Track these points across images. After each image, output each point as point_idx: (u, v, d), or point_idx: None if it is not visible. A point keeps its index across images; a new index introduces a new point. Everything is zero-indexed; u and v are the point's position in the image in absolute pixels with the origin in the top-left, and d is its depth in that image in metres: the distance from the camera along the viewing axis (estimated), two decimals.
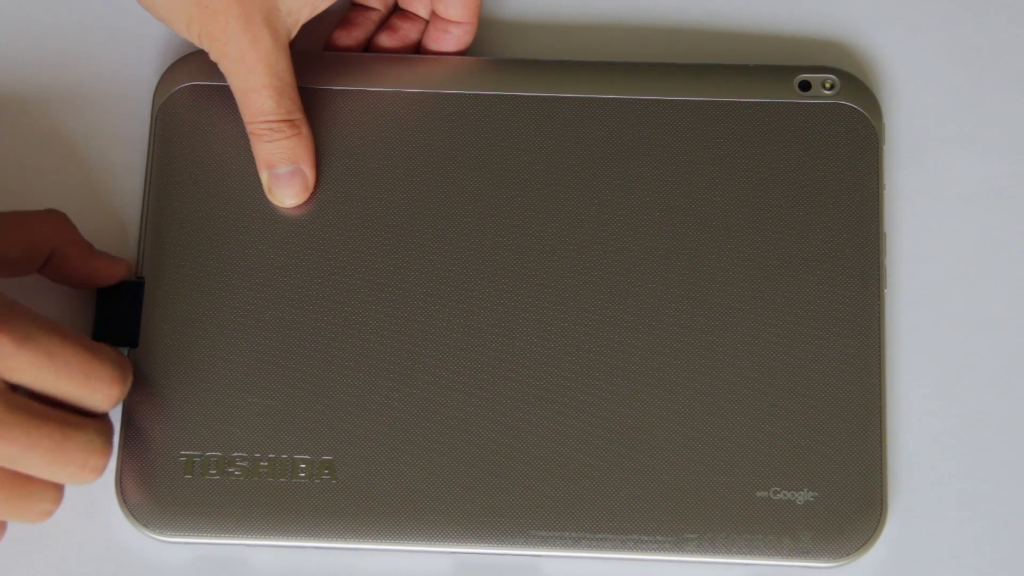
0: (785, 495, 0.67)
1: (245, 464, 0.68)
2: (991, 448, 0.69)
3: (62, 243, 0.68)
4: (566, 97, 0.71)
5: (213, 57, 0.68)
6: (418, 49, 0.73)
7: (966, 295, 0.70)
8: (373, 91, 0.71)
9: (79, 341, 0.64)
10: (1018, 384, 0.70)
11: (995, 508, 0.68)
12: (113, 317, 0.69)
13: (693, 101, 0.71)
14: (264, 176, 0.70)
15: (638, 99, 0.71)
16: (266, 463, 0.68)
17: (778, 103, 0.71)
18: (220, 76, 0.69)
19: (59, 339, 0.63)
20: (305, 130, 0.69)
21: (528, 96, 0.71)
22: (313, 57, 0.72)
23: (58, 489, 0.64)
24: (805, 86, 0.71)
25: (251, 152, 0.70)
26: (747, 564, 0.67)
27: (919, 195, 0.72)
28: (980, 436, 0.69)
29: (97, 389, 0.64)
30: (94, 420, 0.64)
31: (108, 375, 0.64)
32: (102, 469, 0.64)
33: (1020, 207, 0.71)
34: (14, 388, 0.63)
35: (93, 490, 0.68)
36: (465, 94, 0.71)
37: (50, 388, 0.63)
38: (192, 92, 0.71)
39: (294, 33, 0.69)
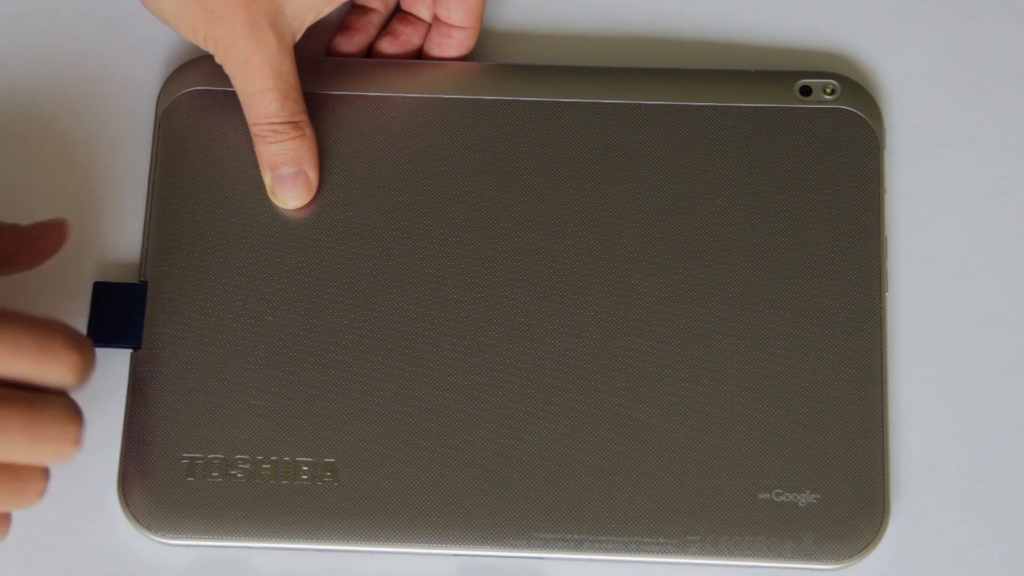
0: (787, 497, 0.67)
1: (247, 466, 0.68)
2: (992, 449, 0.69)
3: None
4: (569, 102, 0.71)
5: (218, 60, 0.69)
6: (420, 54, 0.73)
7: (966, 296, 0.71)
8: (376, 96, 0.71)
9: (24, 317, 0.61)
10: (1018, 384, 0.70)
11: (997, 509, 0.68)
12: (109, 318, 0.69)
13: (695, 106, 0.71)
14: (267, 178, 0.70)
15: (640, 104, 0.71)
16: (268, 465, 0.68)
17: (779, 108, 0.71)
18: (223, 81, 0.70)
19: (6, 320, 0.60)
20: (309, 132, 0.69)
21: (530, 101, 0.71)
22: (316, 62, 0.72)
23: (44, 468, 0.62)
24: (806, 91, 0.72)
25: (254, 156, 0.70)
26: (749, 566, 0.67)
27: (919, 197, 0.72)
28: (981, 437, 0.69)
29: (55, 358, 0.61)
30: (59, 394, 0.62)
31: (62, 343, 0.61)
32: (80, 439, 0.62)
33: (1020, 208, 0.72)
34: None
35: (95, 491, 0.68)
36: (468, 99, 0.71)
37: (7, 370, 0.60)
38: (195, 97, 0.71)
39: (299, 36, 0.69)
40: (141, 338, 0.69)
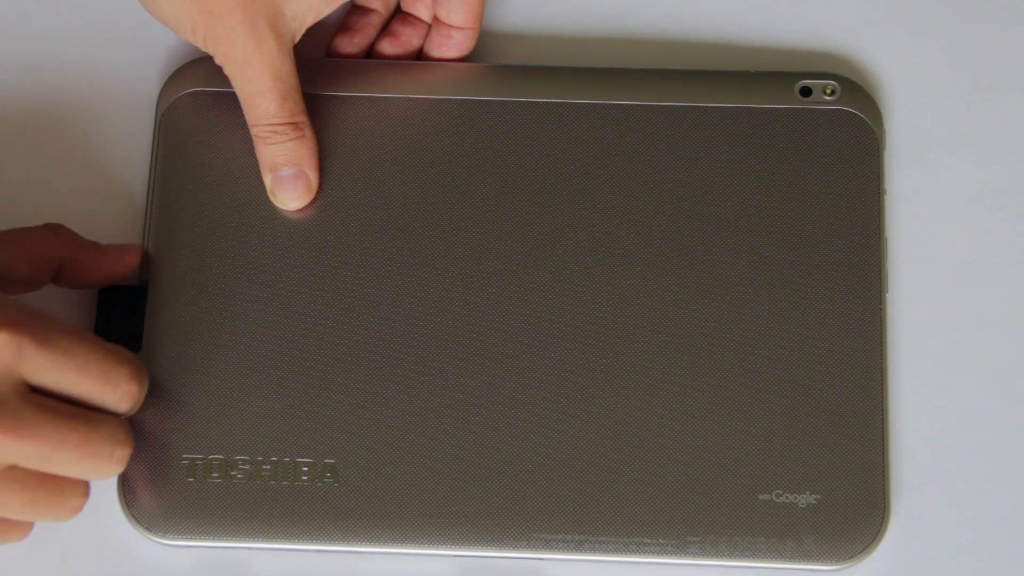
0: (787, 498, 0.67)
1: (247, 467, 0.68)
2: (992, 449, 0.69)
3: (68, 251, 0.68)
4: (569, 103, 0.71)
5: (218, 61, 0.69)
6: (420, 55, 0.73)
7: (966, 297, 0.71)
8: (376, 97, 0.71)
9: (96, 341, 0.64)
10: (1018, 384, 0.70)
11: (997, 509, 0.68)
12: (115, 321, 0.69)
13: (695, 107, 0.71)
14: (268, 179, 0.70)
15: (640, 105, 0.71)
16: (268, 466, 0.68)
17: (779, 109, 0.71)
18: (223, 82, 0.70)
19: (77, 340, 0.64)
20: (309, 133, 0.69)
21: (530, 102, 0.71)
22: (316, 63, 0.72)
23: (85, 483, 0.65)
24: (806, 92, 0.72)
25: (254, 157, 0.70)
26: (750, 567, 0.67)
27: (919, 198, 0.72)
28: (981, 437, 0.69)
29: (116, 387, 0.65)
30: (112, 415, 0.65)
31: (125, 373, 0.65)
32: (127, 460, 0.65)
33: (1020, 208, 0.72)
34: (34, 390, 0.63)
35: (95, 493, 0.68)
36: (468, 100, 0.71)
37: (70, 388, 0.64)
38: (195, 98, 0.72)
39: (298, 37, 0.69)
40: (141, 340, 0.69)
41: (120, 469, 0.65)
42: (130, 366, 0.65)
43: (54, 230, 0.68)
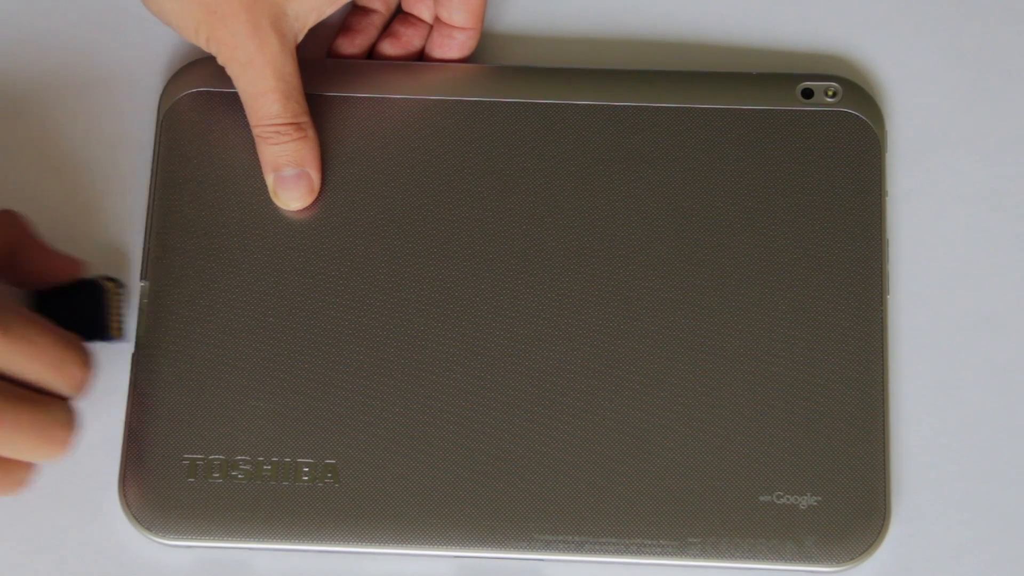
0: (788, 499, 0.67)
1: (248, 467, 0.68)
2: (992, 449, 0.69)
3: (25, 238, 0.68)
4: (571, 104, 0.71)
5: (221, 61, 0.69)
6: (421, 56, 0.73)
7: (967, 297, 0.71)
8: (377, 97, 0.71)
9: (49, 328, 0.65)
10: (1018, 384, 0.70)
11: (998, 510, 0.68)
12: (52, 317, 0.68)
13: (696, 108, 0.71)
14: (269, 179, 0.70)
15: (642, 106, 0.71)
16: (269, 466, 0.68)
17: (781, 111, 0.71)
18: (225, 82, 0.70)
19: (32, 325, 0.64)
20: (311, 133, 0.69)
21: (533, 103, 0.71)
22: (318, 64, 0.72)
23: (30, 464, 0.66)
24: (808, 94, 0.72)
25: (256, 157, 0.70)
26: (750, 568, 0.67)
27: (921, 199, 0.72)
28: (981, 437, 0.69)
29: (68, 375, 0.65)
30: (59, 399, 0.65)
31: (77, 361, 0.65)
32: (71, 444, 0.65)
33: (1020, 209, 0.72)
34: None
35: (95, 492, 0.68)
36: (469, 101, 0.71)
37: (25, 373, 0.64)
38: (197, 98, 0.72)
39: (301, 37, 0.69)
40: (106, 331, 0.68)
41: (66, 452, 0.65)
42: (81, 354, 0.65)
43: (12, 216, 0.68)
